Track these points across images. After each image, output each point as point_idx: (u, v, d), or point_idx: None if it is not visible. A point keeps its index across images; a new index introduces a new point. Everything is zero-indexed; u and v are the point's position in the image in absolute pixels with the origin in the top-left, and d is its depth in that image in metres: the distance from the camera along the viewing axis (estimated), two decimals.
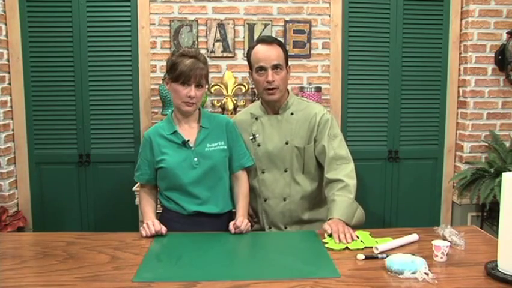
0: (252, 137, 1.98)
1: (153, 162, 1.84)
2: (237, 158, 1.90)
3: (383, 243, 1.53)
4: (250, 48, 1.96)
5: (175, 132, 1.83)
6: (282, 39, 3.14)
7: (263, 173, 1.98)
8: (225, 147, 1.86)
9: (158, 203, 1.95)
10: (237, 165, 1.89)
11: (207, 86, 1.87)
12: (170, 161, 1.80)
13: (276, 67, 1.88)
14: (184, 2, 3.10)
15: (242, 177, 1.91)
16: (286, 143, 1.94)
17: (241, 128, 1.99)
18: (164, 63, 3.08)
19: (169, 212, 1.86)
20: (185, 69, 1.72)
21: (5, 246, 1.59)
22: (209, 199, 1.82)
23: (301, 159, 1.96)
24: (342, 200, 1.77)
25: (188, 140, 1.82)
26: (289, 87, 3.15)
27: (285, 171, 1.96)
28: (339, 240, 1.58)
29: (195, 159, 1.80)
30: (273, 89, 1.89)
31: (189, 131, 1.85)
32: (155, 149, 1.83)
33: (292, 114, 1.97)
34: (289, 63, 3.11)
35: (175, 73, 1.75)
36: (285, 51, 1.94)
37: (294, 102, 2.00)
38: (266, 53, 1.88)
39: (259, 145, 1.97)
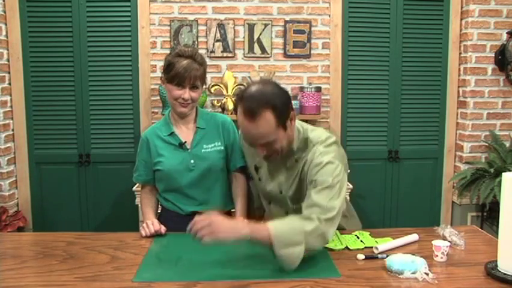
0: (255, 168, 1.78)
1: (151, 163, 1.84)
2: (232, 158, 1.88)
3: (383, 243, 1.53)
4: (236, 105, 1.54)
5: (172, 134, 1.81)
6: (282, 39, 3.16)
7: (269, 203, 1.78)
8: (222, 147, 1.84)
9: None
10: (232, 165, 1.88)
11: (205, 87, 1.85)
12: (166, 163, 1.79)
13: (266, 144, 1.50)
14: (184, 2, 3.10)
15: (240, 176, 1.89)
16: (281, 192, 1.66)
17: (247, 152, 1.81)
18: None
19: (168, 211, 1.86)
20: (180, 70, 1.69)
21: (5, 246, 1.59)
22: (207, 200, 1.82)
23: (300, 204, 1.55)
24: (290, 221, 1.38)
25: (185, 142, 1.80)
26: (289, 87, 3.19)
27: (290, 209, 1.68)
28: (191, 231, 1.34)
29: (192, 161, 1.79)
30: (272, 154, 1.55)
31: (186, 132, 1.83)
32: (152, 150, 1.83)
33: (296, 161, 1.60)
34: (289, 63, 3.21)
35: (170, 74, 1.72)
36: (279, 111, 1.44)
37: (301, 144, 1.59)
38: (250, 135, 1.49)
39: (260, 179, 1.75)
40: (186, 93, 1.73)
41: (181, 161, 1.79)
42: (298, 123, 1.62)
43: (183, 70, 1.69)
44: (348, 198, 2.80)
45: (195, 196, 1.81)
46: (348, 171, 1.79)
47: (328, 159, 1.48)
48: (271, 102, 1.43)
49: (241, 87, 3.06)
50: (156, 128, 1.87)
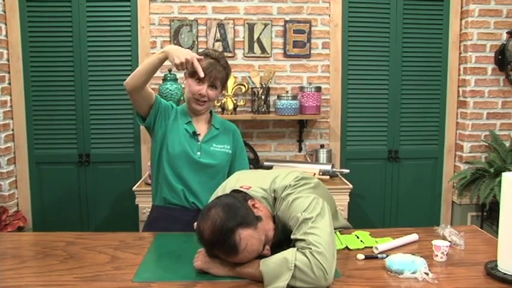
0: None
1: (157, 112, 1.81)
2: (238, 167, 1.92)
3: (383, 243, 1.53)
4: (208, 250, 1.34)
5: (189, 123, 1.87)
6: (282, 39, 3.16)
7: None
8: (230, 151, 1.90)
9: (150, 202, 1.96)
10: (233, 171, 1.89)
11: (224, 92, 1.90)
12: (176, 146, 1.81)
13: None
14: (184, 2, 3.10)
15: None
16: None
17: None
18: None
19: (158, 210, 1.87)
20: (202, 67, 1.73)
21: (5, 246, 1.59)
22: (197, 193, 1.83)
23: None
24: (281, 256, 1.23)
25: (199, 134, 1.86)
26: (289, 87, 3.20)
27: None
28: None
29: (198, 153, 1.83)
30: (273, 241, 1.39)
31: (202, 128, 1.89)
32: (168, 118, 1.83)
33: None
34: (289, 63, 3.21)
35: (192, 69, 1.76)
36: (246, 221, 1.27)
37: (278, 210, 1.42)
38: (247, 258, 1.29)
39: None
40: (204, 89, 1.78)
41: (189, 147, 1.82)
42: (259, 189, 1.43)
43: (205, 67, 1.75)
44: (348, 199, 2.81)
45: (189, 183, 1.81)
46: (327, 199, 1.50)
47: (294, 197, 1.35)
48: (236, 221, 1.25)
49: (241, 87, 3.06)
50: (180, 110, 1.90)
